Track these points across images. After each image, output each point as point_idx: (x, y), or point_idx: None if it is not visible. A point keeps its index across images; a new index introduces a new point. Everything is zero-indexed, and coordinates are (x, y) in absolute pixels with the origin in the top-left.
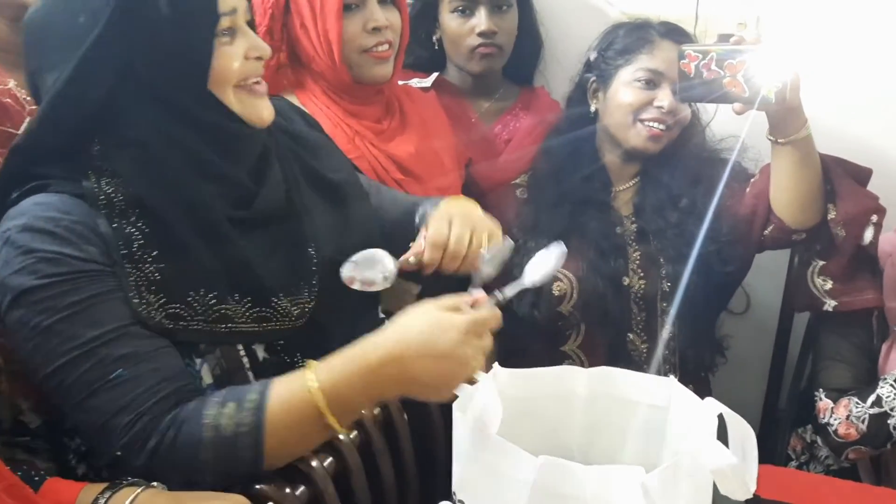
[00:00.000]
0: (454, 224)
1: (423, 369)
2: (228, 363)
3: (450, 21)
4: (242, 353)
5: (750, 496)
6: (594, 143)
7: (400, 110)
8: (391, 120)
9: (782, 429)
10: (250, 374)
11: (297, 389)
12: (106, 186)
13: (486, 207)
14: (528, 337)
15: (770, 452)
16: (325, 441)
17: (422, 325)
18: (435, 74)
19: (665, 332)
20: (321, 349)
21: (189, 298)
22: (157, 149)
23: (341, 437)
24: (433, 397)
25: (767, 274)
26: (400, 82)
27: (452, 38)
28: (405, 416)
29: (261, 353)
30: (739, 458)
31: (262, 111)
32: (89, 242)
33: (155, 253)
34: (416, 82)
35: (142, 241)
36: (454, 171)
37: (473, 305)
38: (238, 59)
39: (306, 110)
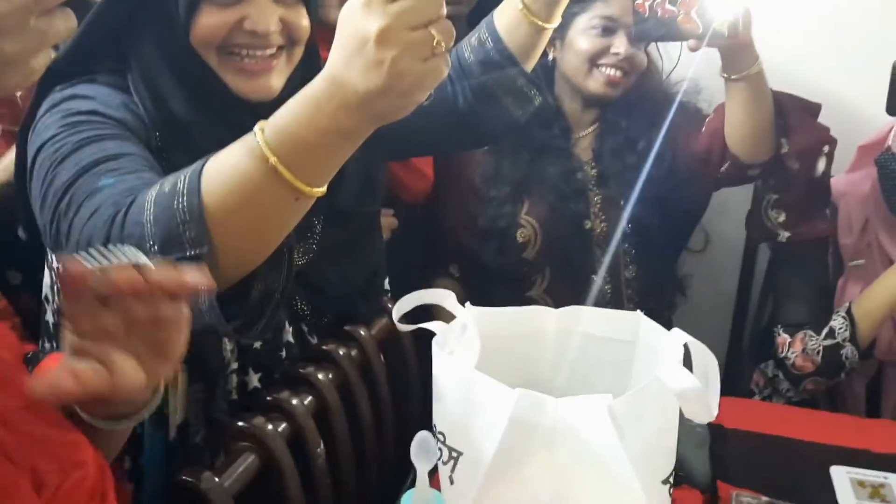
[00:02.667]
0: None
1: (356, 75)
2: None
3: None
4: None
5: (712, 419)
6: (553, 91)
7: None
8: None
9: (745, 365)
10: None
11: (238, 145)
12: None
13: (450, 158)
14: (494, 284)
15: (734, 388)
16: (293, 215)
17: (336, 34)
18: None
19: (627, 273)
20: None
21: None
22: (163, 89)
23: (336, 355)
24: (392, 109)
25: (729, 212)
26: None
27: None
28: (381, 357)
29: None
30: (703, 384)
31: (251, 89)
32: (128, 111)
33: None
34: None
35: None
36: None
37: None
38: (226, 24)
39: None
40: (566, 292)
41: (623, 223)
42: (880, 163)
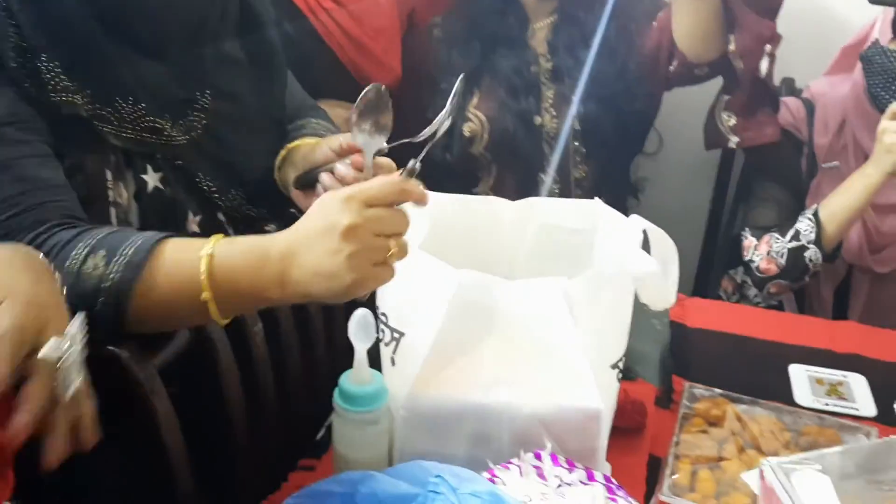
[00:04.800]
0: None
1: (312, 256)
2: (91, 189)
3: None
4: (110, 184)
5: (668, 306)
6: None
7: None
8: None
9: (717, 272)
10: (112, 210)
11: (186, 256)
12: None
13: (406, 49)
14: (440, 180)
15: (704, 293)
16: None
17: (311, 210)
18: None
19: (576, 172)
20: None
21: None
22: None
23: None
24: (331, 293)
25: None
26: None
27: None
28: None
29: (153, 182)
30: (662, 272)
31: None
32: None
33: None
34: None
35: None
36: (391, 11)
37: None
38: None
39: None
40: (513, 190)
41: (571, 119)
42: (866, 57)
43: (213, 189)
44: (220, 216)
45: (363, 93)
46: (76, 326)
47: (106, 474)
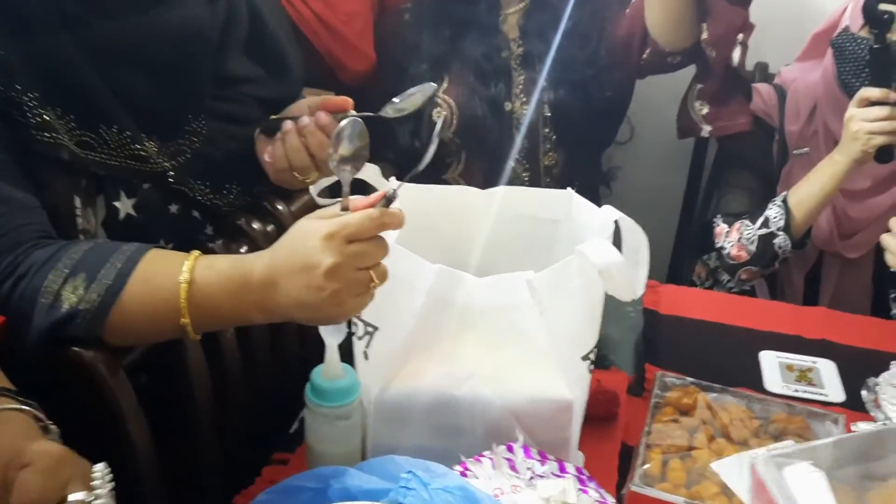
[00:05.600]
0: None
1: (293, 287)
2: (60, 216)
3: None
4: (78, 210)
5: (636, 297)
6: None
7: None
8: None
9: (691, 259)
10: (81, 237)
11: (163, 280)
12: None
13: (376, 33)
14: (409, 166)
15: (678, 279)
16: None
17: (290, 239)
18: None
19: (546, 160)
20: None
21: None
22: None
23: (248, 229)
24: (312, 320)
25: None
26: None
27: None
28: None
29: (126, 209)
30: (632, 262)
31: None
32: None
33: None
34: None
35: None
36: None
37: (346, 210)
38: None
39: None
40: (482, 177)
41: (540, 104)
42: (836, 44)
43: (207, 191)
44: (198, 238)
45: (339, 126)
46: (99, 475)
47: None
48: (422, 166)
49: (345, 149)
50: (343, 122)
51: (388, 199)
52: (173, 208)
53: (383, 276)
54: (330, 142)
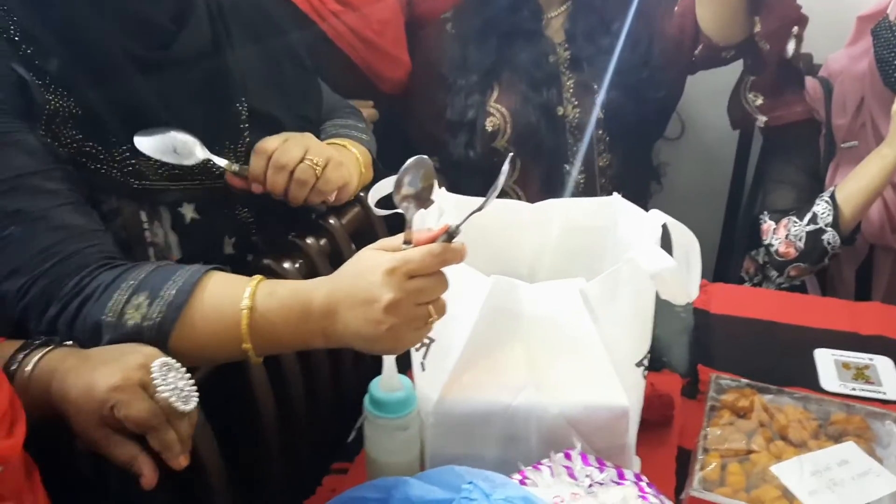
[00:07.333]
0: (288, 140)
1: (352, 319)
2: (129, 232)
3: None
4: (146, 224)
5: (690, 300)
6: None
7: None
8: None
9: (738, 254)
10: (150, 250)
11: (226, 303)
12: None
13: (418, 46)
14: (464, 177)
15: (726, 278)
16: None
17: (352, 269)
18: None
19: (601, 161)
20: (261, 202)
21: (108, 140)
22: None
23: (303, 245)
24: (370, 350)
25: (725, 100)
26: None
27: None
28: (353, 247)
29: (190, 213)
30: (683, 266)
31: None
32: None
33: (61, 90)
34: None
35: (45, 77)
36: (395, 4)
37: (409, 243)
38: None
39: None
40: (538, 183)
41: (597, 109)
42: (875, 32)
43: (251, 221)
44: (254, 237)
45: (404, 166)
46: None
47: (143, 489)
48: (490, 200)
49: (407, 190)
50: (408, 163)
51: (451, 235)
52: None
53: (442, 311)
54: (397, 178)
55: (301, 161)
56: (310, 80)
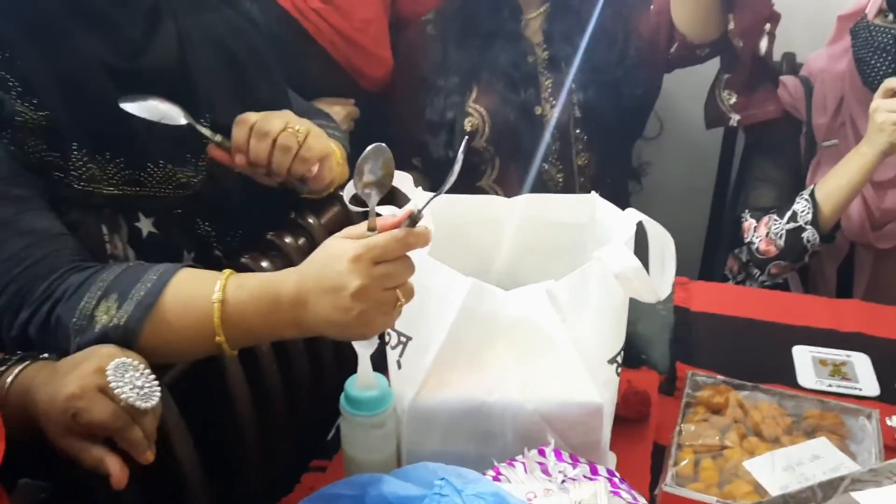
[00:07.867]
0: (268, 114)
1: (322, 307)
2: (89, 245)
3: None
4: (106, 237)
5: (659, 299)
6: None
7: None
8: None
9: (723, 253)
10: (111, 262)
11: (197, 297)
12: None
13: (399, 47)
14: (443, 176)
15: (711, 276)
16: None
17: (319, 258)
18: None
19: (579, 160)
20: (223, 216)
21: (68, 149)
22: None
23: (281, 244)
24: (342, 337)
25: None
26: None
27: None
28: None
29: (147, 227)
30: (657, 264)
31: None
32: None
33: (29, 99)
34: None
35: (14, 86)
36: (379, 3)
37: (373, 230)
38: None
39: None
40: (516, 181)
41: (570, 107)
42: (854, 31)
43: (212, 235)
44: (216, 252)
45: (363, 155)
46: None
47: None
48: (446, 186)
49: (368, 178)
50: (367, 150)
51: (414, 219)
52: (193, 223)
53: (410, 294)
54: (357, 167)
55: (283, 130)
56: (278, 93)
